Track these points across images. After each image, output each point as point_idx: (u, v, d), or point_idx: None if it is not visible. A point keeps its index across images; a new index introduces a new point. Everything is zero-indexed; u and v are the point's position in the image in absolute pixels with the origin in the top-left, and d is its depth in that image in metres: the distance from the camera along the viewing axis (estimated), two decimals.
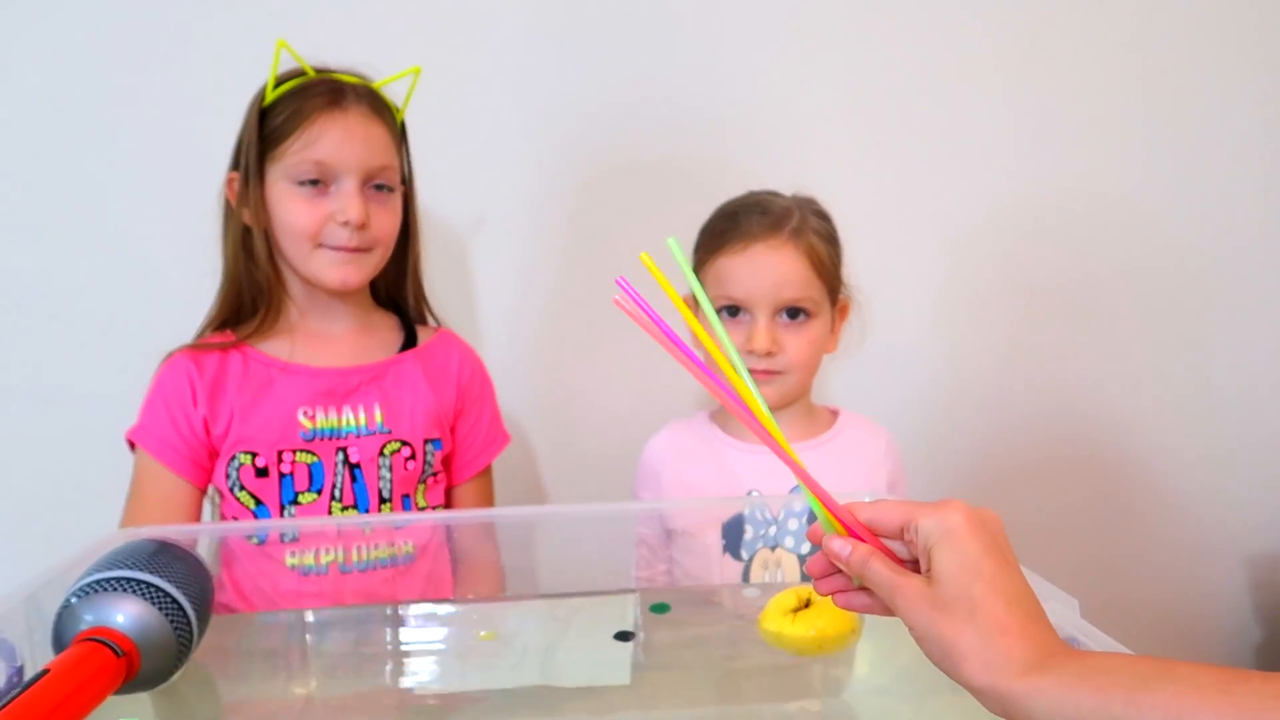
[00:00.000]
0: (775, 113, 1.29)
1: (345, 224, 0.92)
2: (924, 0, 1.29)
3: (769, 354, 0.95)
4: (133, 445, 0.96)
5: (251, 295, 0.98)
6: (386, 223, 0.97)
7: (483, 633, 0.76)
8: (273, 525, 0.91)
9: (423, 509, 1.00)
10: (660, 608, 0.78)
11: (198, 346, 0.97)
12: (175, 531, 0.68)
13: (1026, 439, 1.40)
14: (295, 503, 0.95)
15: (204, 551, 0.75)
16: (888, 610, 0.50)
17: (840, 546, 0.52)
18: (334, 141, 0.92)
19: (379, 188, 0.95)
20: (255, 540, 0.85)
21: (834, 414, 1.06)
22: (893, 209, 1.32)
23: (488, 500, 1.09)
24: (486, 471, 1.09)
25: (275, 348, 0.98)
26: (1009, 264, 1.36)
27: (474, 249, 1.28)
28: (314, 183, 0.92)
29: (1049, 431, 1.41)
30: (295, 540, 0.86)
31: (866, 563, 0.50)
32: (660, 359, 1.26)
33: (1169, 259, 1.39)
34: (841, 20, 1.28)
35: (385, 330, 1.04)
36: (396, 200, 0.98)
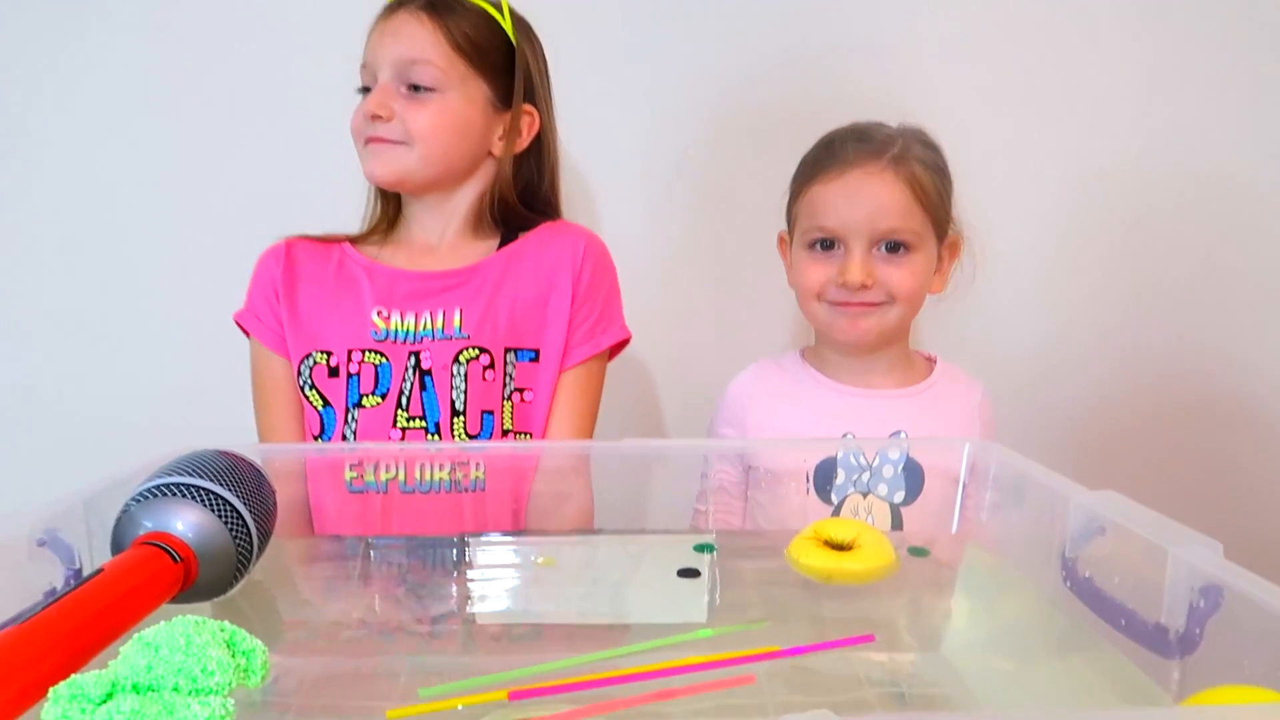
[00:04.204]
0: (894, 54, 1.26)
1: (366, 116, 0.93)
2: None
3: (863, 287, 0.89)
4: (245, 331, 0.99)
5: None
6: (420, 120, 0.93)
7: (540, 559, 0.73)
8: (331, 449, 0.88)
9: (508, 432, 0.96)
10: (704, 547, 0.74)
11: (299, 236, 1.00)
12: (239, 447, 0.66)
13: (1141, 390, 1.35)
14: (359, 405, 0.92)
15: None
16: None
17: None
18: (374, 45, 0.95)
19: (416, 88, 0.93)
20: (316, 451, 0.81)
21: (930, 361, 1.00)
22: (1012, 154, 1.28)
23: (585, 396, 1.00)
24: (593, 363, 1.00)
25: (370, 250, 0.99)
26: (1128, 219, 1.30)
27: (600, 200, 1.28)
28: (366, 90, 0.96)
29: (1162, 384, 1.35)
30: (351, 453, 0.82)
31: None
32: (773, 303, 1.28)
33: None
34: None
35: (490, 243, 1.00)
36: (441, 101, 0.94)
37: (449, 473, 0.83)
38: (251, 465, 0.63)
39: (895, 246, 0.91)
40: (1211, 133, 1.28)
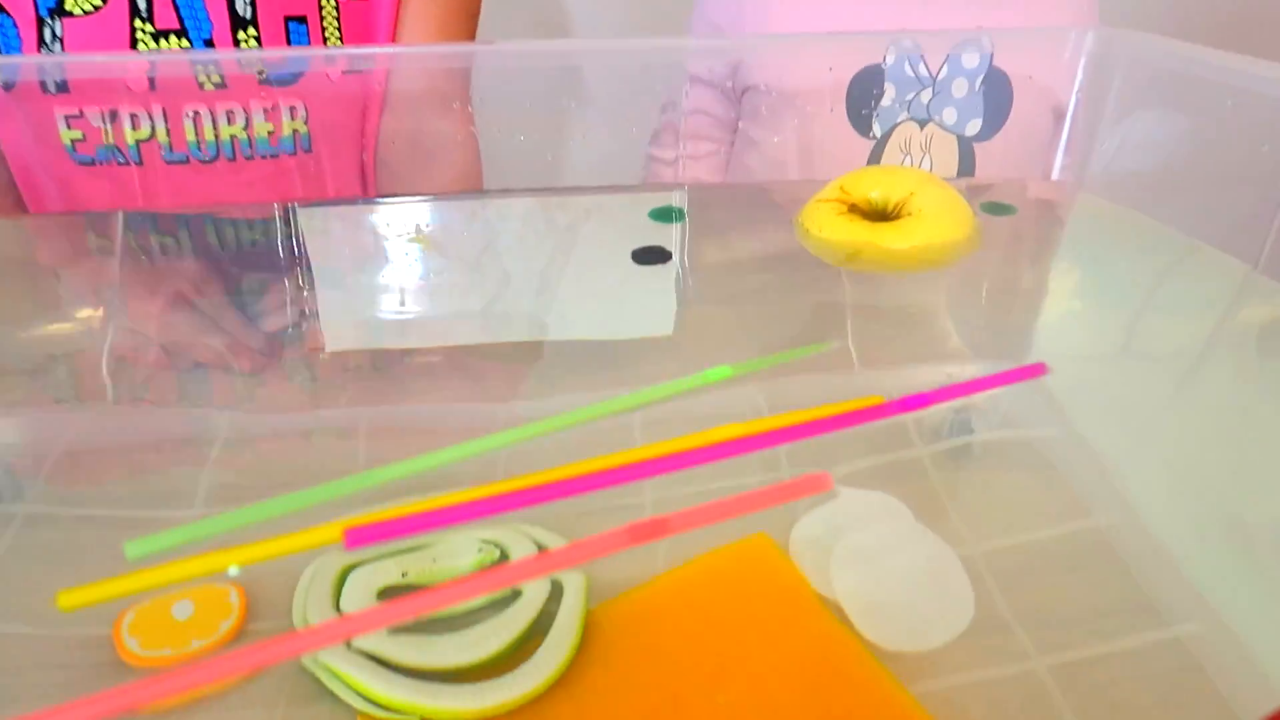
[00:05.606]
0: None
1: None
2: None
3: None
4: None
5: None
6: None
7: (414, 235, 0.47)
8: (32, 61, 0.52)
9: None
10: (667, 214, 0.49)
11: None
12: None
13: None
14: (62, 12, 0.55)
15: None
16: None
17: None
18: None
19: None
20: (2, 85, 0.49)
21: None
22: None
23: (455, 15, 0.62)
24: None
25: None
26: None
27: None
28: None
29: None
30: (65, 91, 0.50)
31: None
32: None
33: None
34: None
35: None
36: None
37: (244, 127, 0.51)
38: None
39: None
40: None
